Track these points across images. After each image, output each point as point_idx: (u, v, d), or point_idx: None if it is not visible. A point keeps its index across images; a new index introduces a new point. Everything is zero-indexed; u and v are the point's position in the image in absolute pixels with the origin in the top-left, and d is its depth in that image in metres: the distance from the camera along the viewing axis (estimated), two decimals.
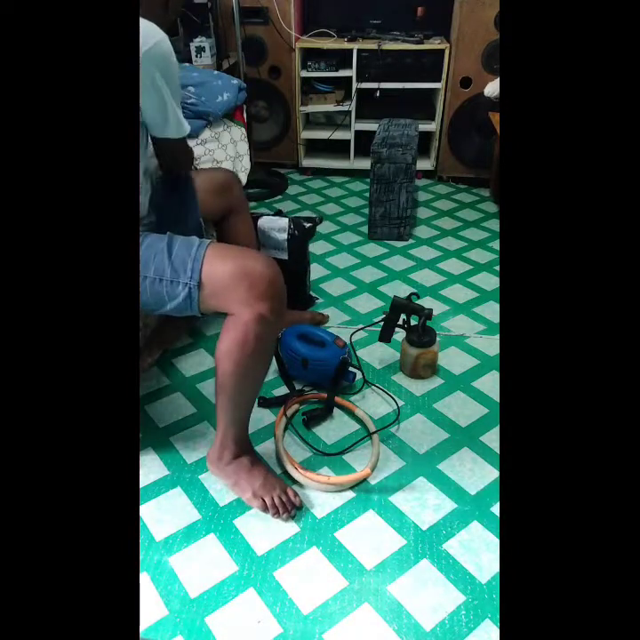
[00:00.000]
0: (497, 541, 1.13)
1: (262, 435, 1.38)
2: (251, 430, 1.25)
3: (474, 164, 2.83)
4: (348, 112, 2.80)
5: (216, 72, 2.09)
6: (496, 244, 2.32)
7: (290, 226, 1.73)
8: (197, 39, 2.35)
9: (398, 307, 1.52)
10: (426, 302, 1.87)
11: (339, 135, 2.89)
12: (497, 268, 2.15)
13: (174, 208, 1.31)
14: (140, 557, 1.11)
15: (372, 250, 2.28)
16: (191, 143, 1.78)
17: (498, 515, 1.19)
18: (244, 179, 1.88)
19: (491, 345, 1.71)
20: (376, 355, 1.67)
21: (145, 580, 1.07)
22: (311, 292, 1.93)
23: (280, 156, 3.01)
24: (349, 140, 2.89)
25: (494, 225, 2.50)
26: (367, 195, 2.63)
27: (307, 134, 2.96)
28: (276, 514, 1.17)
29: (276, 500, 1.17)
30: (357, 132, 2.85)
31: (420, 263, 2.18)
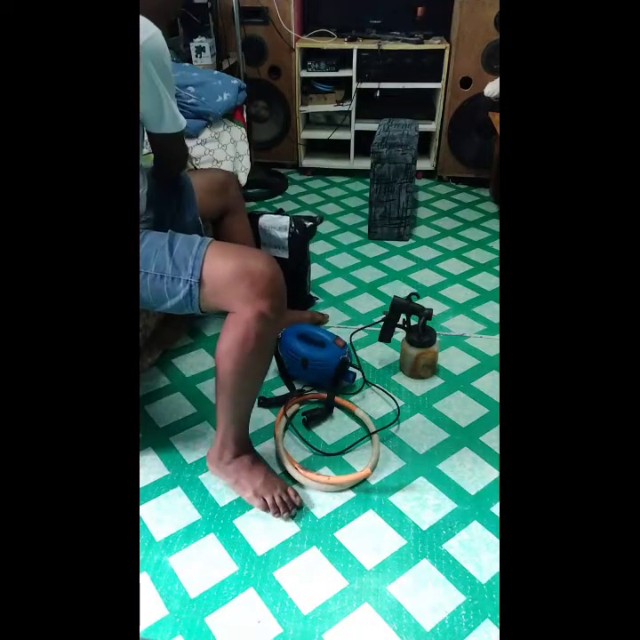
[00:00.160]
0: (497, 541, 1.13)
1: (262, 435, 1.38)
2: (251, 430, 1.25)
3: (474, 164, 2.83)
4: (348, 112, 2.80)
5: (216, 72, 2.09)
6: (496, 244, 2.32)
7: (291, 224, 1.73)
8: (197, 39, 2.36)
9: (398, 307, 1.52)
10: (426, 302, 1.87)
11: (339, 135, 2.89)
12: (497, 268, 2.15)
13: (172, 206, 1.32)
14: (140, 557, 1.11)
15: (372, 250, 2.28)
16: (191, 143, 1.78)
17: (498, 515, 1.19)
18: (243, 179, 1.88)
19: (491, 345, 1.71)
20: (376, 355, 1.67)
21: (145, 580, 1.07)
22: (311, 292, 1.93)
23: (280, 156, 3.01)
24: (349, 140, 2.89)
25: (494, 225, 2.50)
26: (367, 195, 2.63)
27: (307, 134, 2.96)
28: (277, 513, 1.17)
29: (277, 500, 1.17)
30: (357, 132, 2.86)
31: (420, 263, 2.18)
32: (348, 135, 2.88)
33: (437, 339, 1.55)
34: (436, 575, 1.08)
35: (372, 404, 1.49)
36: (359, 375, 1.56)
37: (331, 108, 2.85)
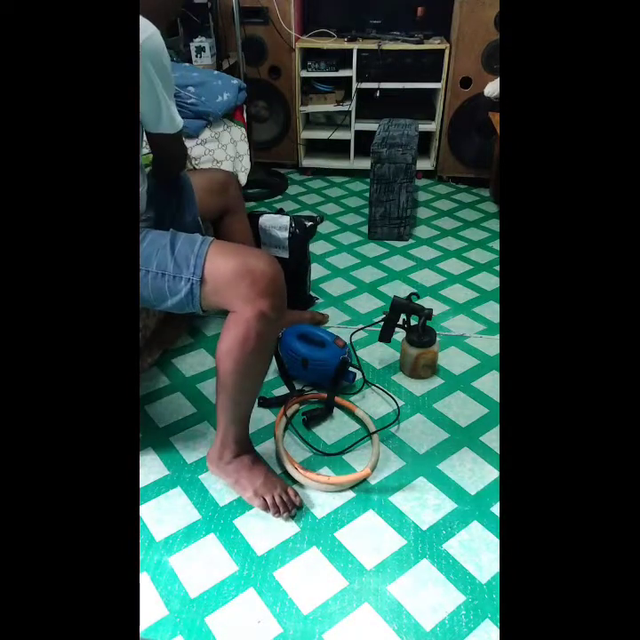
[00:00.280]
0: (497, 541, 1.13)
1: (262, 435, 1.38)
2: (251, 430, 1.25)
3: (474, 164, 2.83)
4: (348, 112, 2.80)
5: (216, 72, 2.09)
6: (496, 244, 2.32)
7: (291, 224, 1.73)
8: (197, 39, 2.36)
9: (398, 307, 1.52)
10: (426, 302, 1.87)
11: (339, 135, 2.89)
12: (497, 268, 2.15)
13: (172, 206, 1.32)
14: (140, 557, 1.11)
15: (372, 250, 2.28)
16: (191, 143, 1.78)
17: (498, 515, 1.19)
18: (243, 179, 1.88)
19: (491, 345, 1.71)
20: (376, 355, 1.67)
21: (145, 579, 1.07)
22: (311, 292, 1.93)
23: (280, 156, 3.01)
24: (349, 140, 2.89)
25: (494, 225, 2.50)
26: (367, 195, 2.63)
27: (307, 134, 2.96)
28: (277, 513, 1.17)
29: (277, 500, 1.17)
30: (357, 132, 2.86)
31: (419, 263, 2.18)
32: (347, 135, 2.88)
33: (437, 339, 1.55)
34: (435, 575, 1.08)
35: (372, 403, 1.49)
36: (359, 375, 1.56)
37: (331, 107, 2.85)
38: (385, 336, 1.57)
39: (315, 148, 3.08)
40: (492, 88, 2.43)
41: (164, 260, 1.07)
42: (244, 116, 2.15)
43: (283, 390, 1.52)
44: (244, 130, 2.00)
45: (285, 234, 1.74)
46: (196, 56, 2.36)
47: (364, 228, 2.42)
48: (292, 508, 1.18)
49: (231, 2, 2.38)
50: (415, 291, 1.65)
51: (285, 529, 1.16)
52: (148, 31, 0.99)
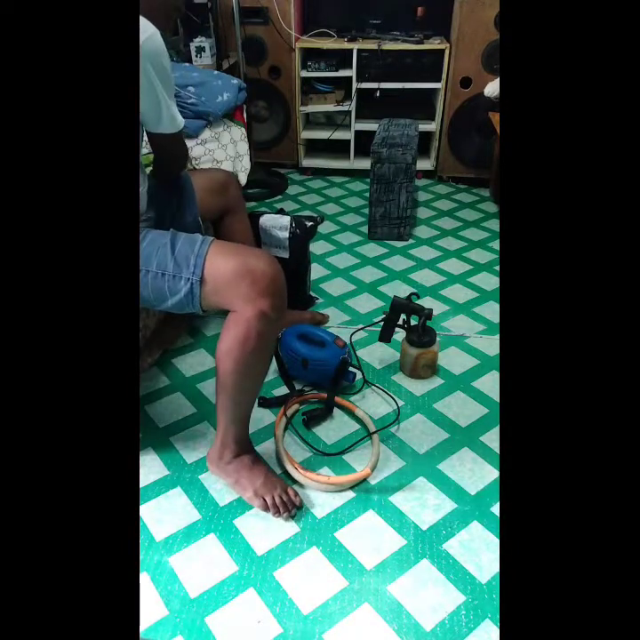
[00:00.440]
0: (497, 541, 1.13)
1: (262, 435, 1.38)
2: (251, 430, 1.25)
3: (474, 164, 2.83)
4: (348, 112, 2.80)
5: (216, 72, 2.09)
6: (496, 244, 2.32)
7: (291, 224, 1.73)
8: (197, 39, 2.36)
9: (398, 307, 1.52)
10: (426, 302, 1.87)
11: (339, 135, 2.89)
12: (497, 268, 2.15)
13: (172, 206, 1.32)
14: (140, 557, 1.11)
15: (372, 250, 2.28)
16: (191, 143, 1.78)
17: (498, 515, 1.19)
18: (243, 179, 1.88)
19: (491, 345, 1.71)
20: (376, 355, 1.67)
21: (145, 580, 1.07)
22: (311, 292, 1.93)
23: (280, 156, 3.01)
24: (349, 140, 2.89)
25: (494, 225, 2.50)
26: (367, 195, 2.63)
27: (307, 134, 2.96)
28: (277, 513, 1.17)
29: (277, 500, 1.17)
30: (357, 132, 2.86)
31: (420, 263, 2.18)
32: (347, 135, 2.88)
33: (437, 339, 1.55)
34: (435, 575, 1.08)
35: (372, 403, 1.49)
36: (359, 375, 1.56)
37: (331, 108, 2.85)
38: (385, 336, 1.57)
39: (315, 148, 3.07)
40: (492, 88, 2.43)
41: (164, 259, 1.07)
42: (244, 115, 2.15)
43: (283, 390, 1.52)
44: (244, 130, 2.00)
45: (286, 234, 1.74)
46: (196, 56, 2.37)
47: (364, 228, 2.42)
48: (292, 508, 1.18)
49: (231, 2, 2.38)
50: (415, 291, 1.65)
51: (285, 529, 1.16)
52: (148, 31, 0.99)
